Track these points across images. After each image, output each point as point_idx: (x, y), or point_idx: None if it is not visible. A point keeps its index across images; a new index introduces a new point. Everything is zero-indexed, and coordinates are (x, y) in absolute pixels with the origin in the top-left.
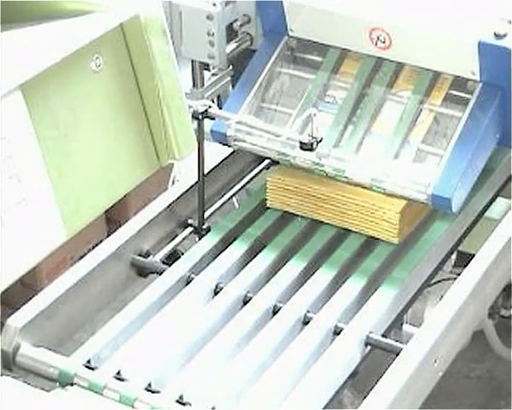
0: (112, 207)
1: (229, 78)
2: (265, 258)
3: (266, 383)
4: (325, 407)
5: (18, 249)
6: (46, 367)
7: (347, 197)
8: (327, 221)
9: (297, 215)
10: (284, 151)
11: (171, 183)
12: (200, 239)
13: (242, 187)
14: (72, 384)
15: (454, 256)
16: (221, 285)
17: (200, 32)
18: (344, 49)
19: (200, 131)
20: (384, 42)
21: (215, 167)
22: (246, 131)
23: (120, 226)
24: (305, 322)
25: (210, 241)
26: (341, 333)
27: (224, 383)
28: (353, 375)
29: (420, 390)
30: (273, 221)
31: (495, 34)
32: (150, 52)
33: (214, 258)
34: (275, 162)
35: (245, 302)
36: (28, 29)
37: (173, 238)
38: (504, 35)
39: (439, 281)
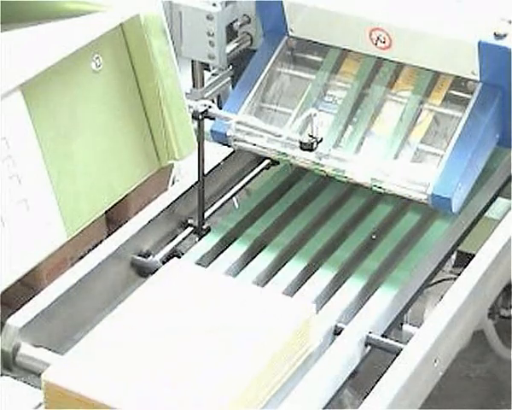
0: (112, 207)
1: (229, 78)
2: (265, 258)
3: None
4: (325, 407)
5: (18, 249)
6: (46, 367)
7: None
8: None
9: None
10: (284, 151)
11: (171, 183)
12: (200, 239)
13: (242, 187)
14: None
15: (454, 256)
16: None
17: (200, 32)
18: (344, 49)
19: (200, 131)
20: (384, 42)
21: (215, 167)
22: (246, 131)
23: (120, 226)
24: None
25: (210, 241)
26: (341, 333)
27: None
28: (353, 375)
29: (420, 390)
30: (273, 221)
31: (495, 34)
32: (150, 52)
33: (214, 258)
34: (275, 162)
35: None
36: (28, 29)
37: (173, 238)
38: (504, 35)
39: (439, 281)
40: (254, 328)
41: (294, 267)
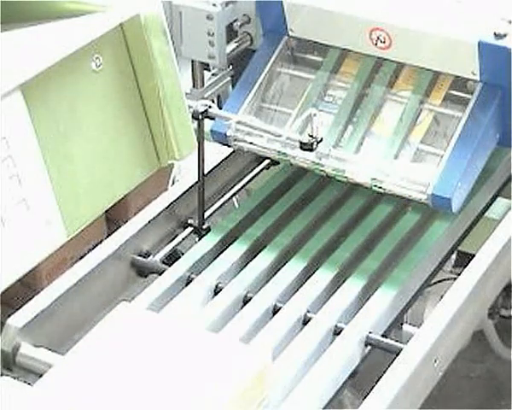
0: (112, 207)
1: (229, 78)
2: (265, 258)
3: None
4: (325, 407)
5: (18, 249)
6: (46, 367)
7: None
8: None
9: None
10: (284, 151)
11: (171, 183)
12: (200, 239)
13: (242, 187)
14: None
15: (454, 256)
16: (221, 285)
17: (200, 32)
18: (344, 49)
19: (200, 131)
20: (384, 42)
21: (215, 167)
22: (246, 131)
23: (120, 226)
24: (305, 322)
25: (210, 241)
26: (341, 333)
27: None
28: (353, 375)
29: (420, 390)
30: (273, 221)
31: (495, 34)
32: (150, 52)
33: (214, 258)
34: (275, 162)
35: (245, 302)
36: (28, 29)
37: (173, 238)
38: (504, 35)
39: (439, 281)
40: (208, 376)
41: (294, 267)
